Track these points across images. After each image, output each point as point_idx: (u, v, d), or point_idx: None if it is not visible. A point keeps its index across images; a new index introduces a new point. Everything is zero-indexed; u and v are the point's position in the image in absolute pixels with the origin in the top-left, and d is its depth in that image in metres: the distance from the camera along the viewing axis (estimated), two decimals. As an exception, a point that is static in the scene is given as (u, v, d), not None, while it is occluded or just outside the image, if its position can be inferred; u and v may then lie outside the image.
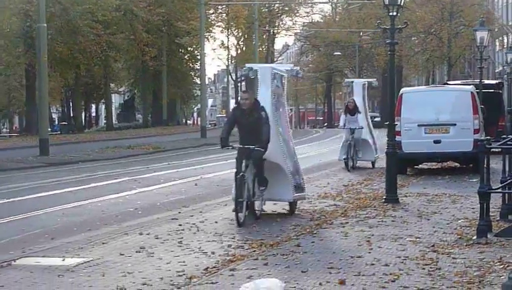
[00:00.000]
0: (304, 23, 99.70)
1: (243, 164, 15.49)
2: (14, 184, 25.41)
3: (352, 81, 31.08)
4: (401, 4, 18.72)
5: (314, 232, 14.39)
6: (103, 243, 13.55)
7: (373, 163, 28.39)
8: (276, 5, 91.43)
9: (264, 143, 15.53)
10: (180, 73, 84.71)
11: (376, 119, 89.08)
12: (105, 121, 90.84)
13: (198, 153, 42.57)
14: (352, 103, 26.57)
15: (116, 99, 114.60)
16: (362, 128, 26.49)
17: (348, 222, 15.50)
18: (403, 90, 27.80)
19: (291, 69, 17.79)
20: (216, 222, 15.86)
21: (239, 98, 16.00)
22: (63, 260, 12.09)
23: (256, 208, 16.26)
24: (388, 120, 20.07)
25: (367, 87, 30.05)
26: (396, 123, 21.20)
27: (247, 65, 17.43)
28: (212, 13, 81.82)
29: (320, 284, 10.01)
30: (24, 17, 57.67)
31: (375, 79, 34.02)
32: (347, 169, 26.34)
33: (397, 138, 21.55)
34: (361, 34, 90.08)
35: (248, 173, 15.65)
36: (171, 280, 10.51)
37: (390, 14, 18.66)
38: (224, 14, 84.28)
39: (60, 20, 55.14)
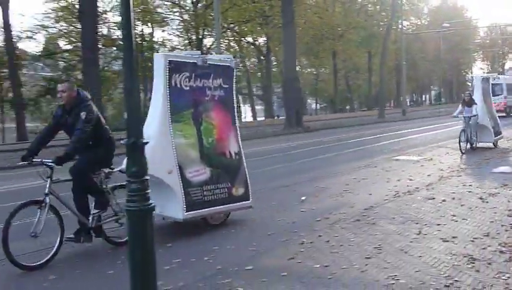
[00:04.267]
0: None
1: (47, 184, 7.33)
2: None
3: (474, 77, 23.98)
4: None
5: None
6: (430, 151, 18.93)
7: (494, 144, 21.22)
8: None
9: (72, 152, 7.47)
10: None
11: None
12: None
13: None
14: (468, 96, 20.01)
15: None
16: (475, 116, 19.65)
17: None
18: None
19: (198, 57, 9.08)
20: (441, 156, 17.77)
21: None
22: (415, 157, 17.66)
23: (117, 236, 8.23)
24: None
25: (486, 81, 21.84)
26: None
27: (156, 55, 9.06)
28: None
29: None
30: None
31: (496, 74, 26.51)
32: (461, 151, 19.09)
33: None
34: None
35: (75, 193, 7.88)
36: (424, 182, 12.58)
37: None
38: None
39: (408, 63, 69.57)
